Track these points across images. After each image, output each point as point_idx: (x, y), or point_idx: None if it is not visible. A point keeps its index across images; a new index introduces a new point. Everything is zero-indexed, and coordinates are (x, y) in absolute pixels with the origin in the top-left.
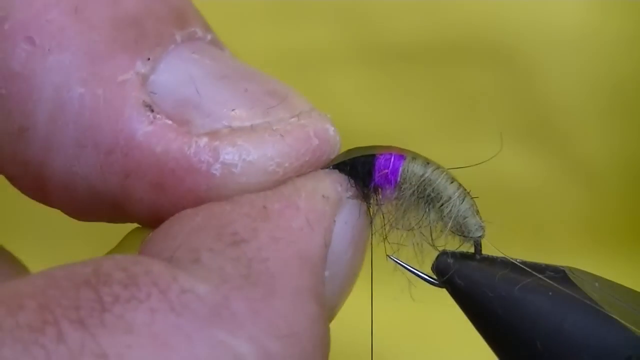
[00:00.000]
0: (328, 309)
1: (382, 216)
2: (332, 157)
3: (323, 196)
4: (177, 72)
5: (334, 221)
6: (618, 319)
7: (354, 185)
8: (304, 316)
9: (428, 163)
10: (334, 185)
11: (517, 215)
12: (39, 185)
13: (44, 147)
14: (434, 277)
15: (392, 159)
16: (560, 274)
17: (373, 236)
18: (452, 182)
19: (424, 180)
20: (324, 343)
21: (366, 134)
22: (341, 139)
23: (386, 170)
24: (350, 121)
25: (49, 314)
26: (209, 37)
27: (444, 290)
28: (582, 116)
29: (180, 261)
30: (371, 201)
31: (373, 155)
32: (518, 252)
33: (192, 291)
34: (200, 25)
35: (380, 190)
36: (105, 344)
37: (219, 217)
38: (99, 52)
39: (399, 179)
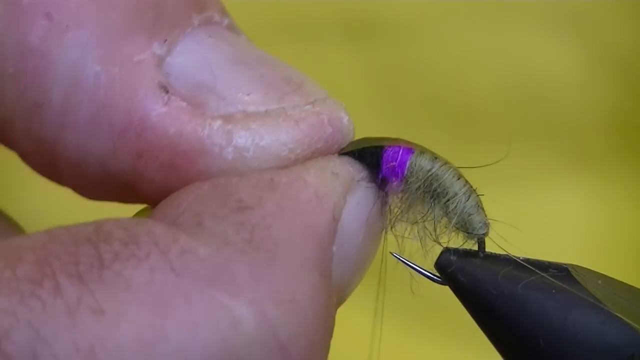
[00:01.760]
0: (337, 289)
1: (387, 209)
2: (344, 146)
3: (332, 173)
4: (193, 55)
5: (345, 199)
6: (621, 316)
7: (366, 168)
8: (307, 285)
9: (436, 158)
10: (344, 165)
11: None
12: (51, 163)
13: (58, 124)
14: (437, 274)
15: (400, 152)
16: (563, 272)
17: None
18: (458, 179)
19: (431, 175)
20: (327, 316)
21: None
22: None
23: (394, 163)
24: None
25: (48, 268)
26: (226, 21)
27: (447, 287)
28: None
29: (183, 225)
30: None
31: (381, 147)
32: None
33: (192, 252)
34: (217, 9)
35: (386, 182)
36: (103, 299)
37: (225, 186)
38: (117, 31)
39: (406, 172)
